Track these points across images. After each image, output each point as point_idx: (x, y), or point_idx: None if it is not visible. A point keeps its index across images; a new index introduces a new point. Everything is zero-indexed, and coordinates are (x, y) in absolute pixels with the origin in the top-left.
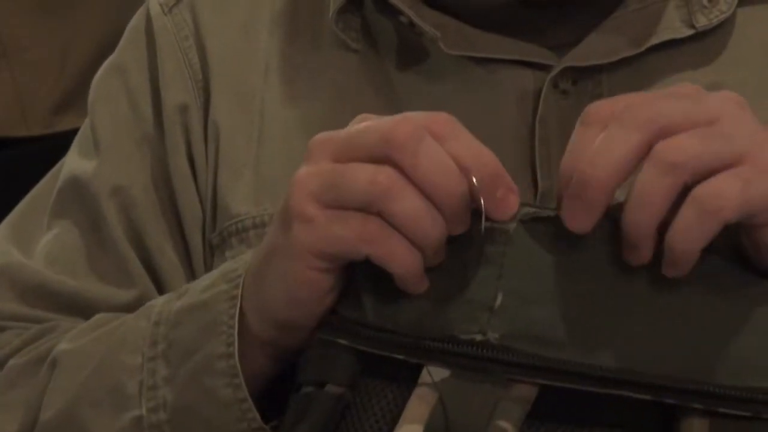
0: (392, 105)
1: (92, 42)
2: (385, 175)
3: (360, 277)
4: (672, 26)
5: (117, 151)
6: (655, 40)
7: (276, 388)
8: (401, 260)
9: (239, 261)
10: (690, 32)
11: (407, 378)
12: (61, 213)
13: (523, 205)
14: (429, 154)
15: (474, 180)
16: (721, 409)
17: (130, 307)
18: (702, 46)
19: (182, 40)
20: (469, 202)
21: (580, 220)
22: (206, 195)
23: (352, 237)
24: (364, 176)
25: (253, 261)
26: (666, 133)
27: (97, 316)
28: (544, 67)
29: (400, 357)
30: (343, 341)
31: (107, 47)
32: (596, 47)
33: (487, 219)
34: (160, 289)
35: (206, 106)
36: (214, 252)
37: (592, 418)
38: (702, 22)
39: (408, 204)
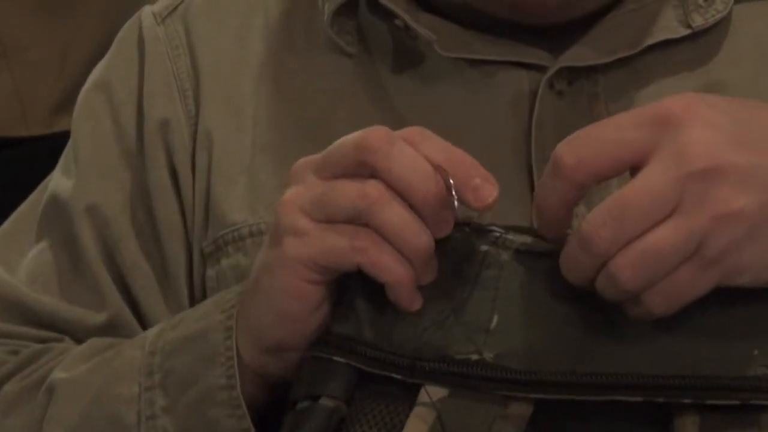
0: (387, 109)
1: (92, 42)
2: (372, 187)
3: (357, 297)
4: (668, 26)
5: (94, 168)
6: (651, 41)
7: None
8: (392, 269)
9: (231, 291)
10: (686, 32)
11: (401, 392)
12: (43, 231)
13: (522, 232)
14: (402, 155)
15: (449, 177)
16: (710, 401)
17: (102, 329)
18: (698, 45)
19: (173, 50)
20: (447, 201)
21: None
22: (192, 205)
23: (345, 247)
24: (352, 190)
25: (244, 287)
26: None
27: (91, 342)
28: (539, 68)
29: (398, 377)
30: (339, 358)
31: (107, 47)
32: (592, 47)
33: (469, 211)
34: (134, 308)
35: (196, 115)
36: (206, 261)
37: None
38: (698, 21)
39: (395, 213)
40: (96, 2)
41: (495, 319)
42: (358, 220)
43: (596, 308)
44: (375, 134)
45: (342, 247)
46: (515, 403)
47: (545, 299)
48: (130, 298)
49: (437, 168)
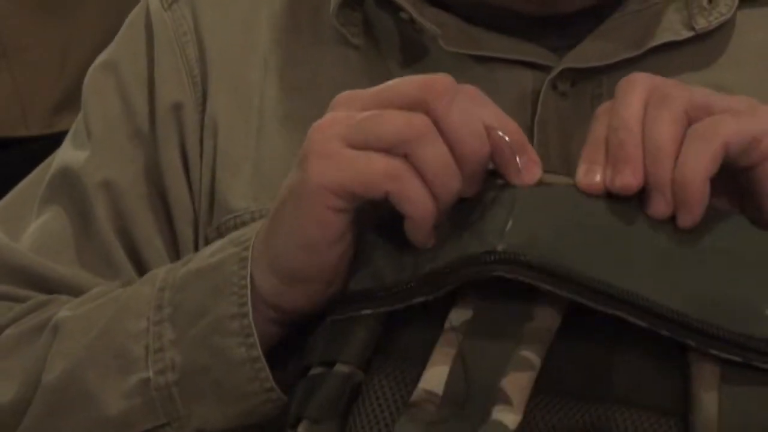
0: None
1: (92, 42)
2: (420, 120)
3: (373, 252)
4: (671, 28)
5: (108, 145)
6: (654, 42)
7: None
8: (419, 202)
9: (248, 228)
10: (689, 34)
11: (420, 357)
12: (51, 201)
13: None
14: (462, 108)
15: (504, 136)
16: (714, 352)
17: None
18: (701, 47)
19: (180, 36)
20: (487, 166)
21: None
22: (200, 190)
23: (378, 172)
24: (400, 118)
25: (267, 217)
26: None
27: (96, 289)
28: (543, 68)
29: (416, 300)
30: (355, 313)
31: (107, 47)
32: (596, 49)
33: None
34: None
35: (203, 102)
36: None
37: (605, 391)
38: (701, 24)
39: (438, 151)
40: (95, 2)
41: (510, 222)
42: (397, 150)
43: (614, 227)
44: (442, 80)
45: (374, 172)
46: (541, 316)
47: (562, 211)
48: (142, 271)
49: (489, 129)
